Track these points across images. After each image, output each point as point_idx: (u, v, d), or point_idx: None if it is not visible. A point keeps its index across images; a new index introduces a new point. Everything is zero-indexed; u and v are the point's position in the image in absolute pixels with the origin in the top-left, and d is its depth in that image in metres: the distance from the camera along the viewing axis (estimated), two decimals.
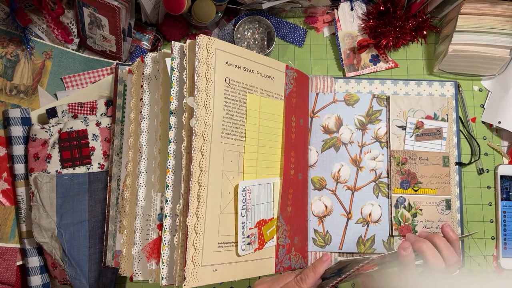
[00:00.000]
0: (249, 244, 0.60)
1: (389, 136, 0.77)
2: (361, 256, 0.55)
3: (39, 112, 0.73)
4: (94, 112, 0.73)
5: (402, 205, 0.75)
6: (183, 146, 0.57)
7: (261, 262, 0.63)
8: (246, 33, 0.80)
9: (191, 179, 0.55)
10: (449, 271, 0.57)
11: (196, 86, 0.57)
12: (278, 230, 0.65)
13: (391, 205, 0.75)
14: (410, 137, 0.77)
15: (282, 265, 0.65)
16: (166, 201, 0.58)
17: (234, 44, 0.74)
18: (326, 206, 0.75)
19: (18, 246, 0.70)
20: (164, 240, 0.57)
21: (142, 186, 0.63)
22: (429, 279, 0.56)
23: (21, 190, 0.70)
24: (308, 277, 0.57)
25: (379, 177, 0.76)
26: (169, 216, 0.58)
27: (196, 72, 0.57)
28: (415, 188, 0.75)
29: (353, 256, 0.62)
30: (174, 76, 0.59)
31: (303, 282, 0.56)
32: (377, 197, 0.76)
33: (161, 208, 0.60)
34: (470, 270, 0.76)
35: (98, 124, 0.72)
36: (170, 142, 0.59)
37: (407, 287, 0.56)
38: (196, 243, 0.55)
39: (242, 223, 0.60)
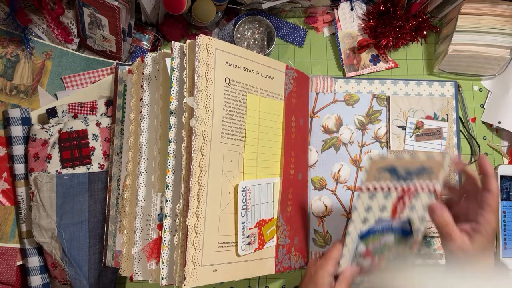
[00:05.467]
0: (249, 244, 0.60)
1: (389, 136, 0.77)
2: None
3: (39, 112, 0.73)
4: (94, 112, 0.73)
5: None
6: (183, 146, 0.57)
7: (261, 262, 0.63)
8: (246, 33, 0.80)
9: (191, 179, 0.55)
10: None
11: (196, 86, 0.57)
12: (278, 230, 0.65)
13: None
14: (410, 137, 0.77)
15: (282, 265, 0.65)
16: (166, 201, 0.58)
17: (234, 44, 0.74)
18: (326, 206, 0.75)
19: (18, 246, 0.70)
20: (164, 240, 0.57)
21: (142, 186, 0.63)
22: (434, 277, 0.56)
23: (21, 190, 0.70)
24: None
25: None
26: (169, 216, 0.58)
27: (196, 72, 0.57)
28: None
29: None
30: (174, 76, 0.59)
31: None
32: None
33: (161, 208, 0.60)
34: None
35: (98, 124, 0.72)
36: (170, 142, 0.59)
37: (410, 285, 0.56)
38: (196, 243, 0.55)
39: (242, 223, 0.60)
